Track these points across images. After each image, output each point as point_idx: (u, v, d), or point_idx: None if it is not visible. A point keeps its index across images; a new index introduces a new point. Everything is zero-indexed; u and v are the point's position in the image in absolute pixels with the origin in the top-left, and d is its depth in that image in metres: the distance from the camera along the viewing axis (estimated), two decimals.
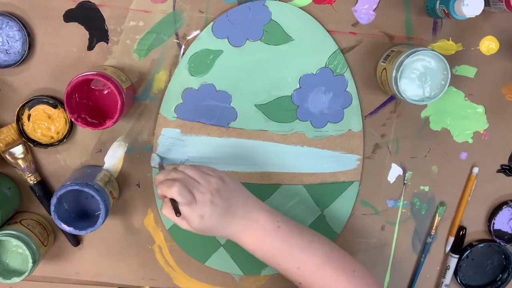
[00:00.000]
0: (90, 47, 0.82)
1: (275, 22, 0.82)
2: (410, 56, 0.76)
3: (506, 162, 0.89)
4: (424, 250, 0.91)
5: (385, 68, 0.80)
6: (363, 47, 0.84)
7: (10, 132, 0.83)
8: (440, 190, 0.89)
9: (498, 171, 0.89)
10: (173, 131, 0.85)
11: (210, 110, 0.84)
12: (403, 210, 0.90)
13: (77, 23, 0.81)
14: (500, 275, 0.92)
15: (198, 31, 0.82)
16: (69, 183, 0.77)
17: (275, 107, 0.85)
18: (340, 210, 0.88)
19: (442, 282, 0.91)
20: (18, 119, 0.82)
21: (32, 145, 0.83)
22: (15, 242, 0.79)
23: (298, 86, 0.84)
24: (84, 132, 0.84)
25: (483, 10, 0.73)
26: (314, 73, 0.84)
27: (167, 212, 0.71)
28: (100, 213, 0.77)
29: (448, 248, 0.91)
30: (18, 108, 0.81)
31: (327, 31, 0.83)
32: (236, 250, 0.88)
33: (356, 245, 0.90)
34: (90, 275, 0.89)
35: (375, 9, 0.83)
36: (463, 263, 0.91)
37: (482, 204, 0.90)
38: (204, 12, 0.82)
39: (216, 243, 0.88)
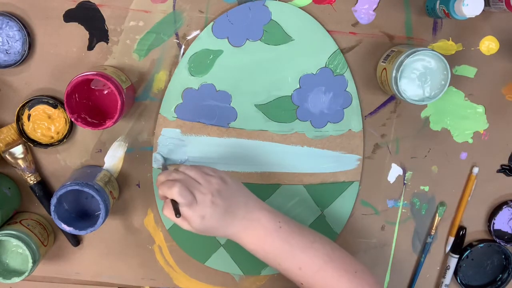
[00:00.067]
0: (90, 47, 0.82)
1: (275, 22, 0.82)
2: (410, 56, 0.76)
3: (506, 162, 0.89)
4: (424, 250, 0.91)
5: (385, 68, 0.80)
6: (363, 47, 0.84)
7: (10, 132, 0.83)
8: (440, 190, 0.89)
9: (498, 171, 0.89)
10: (173, 131, 0.85)
11: (210, 110, 0.84)
12: (403, 210, 0.90)
13: (77, 23, 0.81)
14: (500, 275, 0.92)
15: (198, 31, 0.82)
16: (69, 183, 0.77)
17: (275, 107, 0.85)
18: (340, 210, 0.88)
19: (442, 282, 0.91)
20: (18, 119, 0.82)
21: (32, 145, 0.83)
22: (15, 242, 0.79)
23: (298, 86, 0.84)
24: (84, 132, 0.84)
25: (483, 10, 0.73)
26: (314, 73, 0.84)
27: (168, 212, 0.72)
28: (100, 213, 0.77)
29: (448, 248, 0.91)
30: (18, 108, 0.81)
31: (327, 31, 0.83)
32: (236, 250, 0.88)
33: (356, 245, 0.90)
34: (90, 275, 0.89)
35: (375, 9, 0.83)
36: (463, 263, 0.91)
37: (482, 204, 0.90)
38: (204, 12, 0.82)
39: (216, 243, 0.88)
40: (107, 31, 0.81)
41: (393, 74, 0.77)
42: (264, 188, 0.87)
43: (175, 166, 0.77)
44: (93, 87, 0.81)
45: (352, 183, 0.88)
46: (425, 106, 0.86)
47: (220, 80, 0.83)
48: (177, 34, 0.82)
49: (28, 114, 0.82)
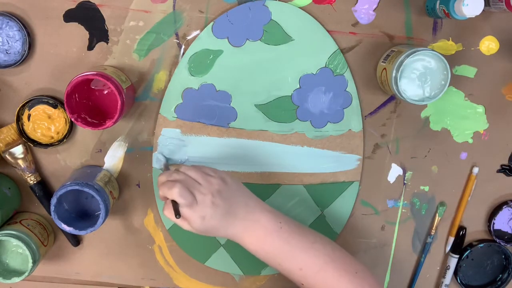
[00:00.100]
0: (90, 47, 0.82)
1: (275, 22, 0.82)
2: (410, 56, 0.76)
3: (506, 162, 0.89)
4: (424, 250, 0.91)
5: (385, 68, 0.80)
6: (363, 47, 0.84)
7: (10, 132, 0.83)
8: (440, 190, 0.89)
9: (498, 171, 0.89)
10: (173, 131, 0.85)
11: (210, 110, 0.84)
12: (403, 210, 0.90)
13: (77, 23, 0.81)
14: (500, 275, 0.92)
15: (198, 31, 0.82)
16: (69, 183, 0.77)
17: (275, 107, 0.85)
18: (340, 210, 0.88)
19: (442, 282, 0.91)
20: (18, 119, 0.82)
21: (32, 145, 0.83)
22: (15, 242, 0.79)
23: (298, 86, 0.84)
24: (84, 132, 0.84)
25: (483, 10, 0.73)
26: (314, 73, 0.84)
27: (169, 213, 0.72)
28: (100, 213, 0.77)
29: (448, 248, 0.91)
30: (18, 108, 0.81)
31: (327, 31, 0.83)
32: (236, 250, 0.88)
33: (356, 245, 0.90)
34: (90, 275, 0.89)
35: (375, 9, 0.83)
36: (463, 263, 0.91)
37: (482, 204, 0.90)
38: (204, 12, 0.82)
39: (216, 243, 0.88)
40: (107, 31, 0.81)
41: (393, 74, 0.77)
42: (264, 188, 0.87)
43: (176, 166, 0.77)
44: (93, 87, 0.81)
45: (352, 183, 0.88)
46: (425, 106, 0.86)
47: (220, 80, 0.83)
48: (177, 34, 0.82)
49: (28, 114, 0.82)
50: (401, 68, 0.76)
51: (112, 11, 0.81)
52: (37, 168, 0.84)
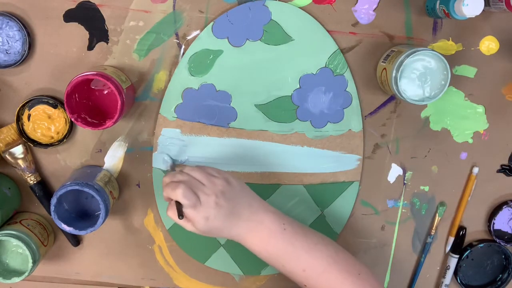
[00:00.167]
0: (90, 47, 0.82)
1: (275, 22, 0.82)
2: (410, 56, 0.76)
3: (506, 162, 0.89)
4: (424, 250, 0.91)
5: (385, 68, 0.80)
6: (363, 47, 0.84)
7: (10, 132, 0.83)
8: (440, 190, 0.89)
9: (498, 171, 0.89)
10: (173, 131, 0.85)
11: (210, 110, 0.84)
12: (403, 210, 0.90)
13: (77, 23, 0.81)
14: (500, 275, 0.92)
15: (198, 31, 0.82)
16: (69, 183, 0.77)
17: (275, 107, 0.85)
18: (340, 210, 0.88)
19: (442, 282, 0.91)
20: (18, 119, 0.82)
21: (32, 145, 0.83)
22: (15, 242, 0.79)
23: (298, 86, 0.84)
24: (84, 132, 0.84)
25: (483, 10, 0.73)
26: (314, 73, 0.84)
27: (172, 214, 0.72)
28: (100, 213, 0.77)
29: (448, 248, 0.91)
30: (18, 108, 0.81)
31: (327, 31, 0.83)
32: (236, 250, 0.88)
33: (356, 245, 0.90)
34: (90, 275, 0.89)
35: (375, 9, 0.83)
36: (463, 263, 0.91)
37: (482, 204, 0.90)
38: (204, 12, 0.82)
39: (216, 243, 0.88)
40: (107, 31, 0.81)
41: (393, 74, 0.77)
42: (264, 188, 0.87)
43: (180, 167, 0.77)
44: (93, 87, 0.81)
45: (352, 183, 0.88)
46: (425, 106, 0.86)
47: (220, 80, 0.83)
48: (177, 34, 0.82)
49: (28, 114, 0.82)
50: (401, 68, 0.76)
51: (112, 11, 0.81)
52: (37, 168, 0.84)
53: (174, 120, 0.84)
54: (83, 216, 0.84)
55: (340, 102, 0.85)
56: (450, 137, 0.88)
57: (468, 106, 0.87)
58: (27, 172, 0.82)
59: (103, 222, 0.78)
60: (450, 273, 0.90)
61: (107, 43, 0.82)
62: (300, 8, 0.82)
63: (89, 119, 0.78)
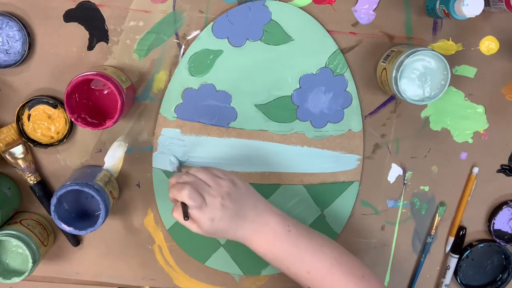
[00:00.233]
0: (90, 47, 0.82)
1: (275, 22, 0.82)
2: (410, 56, 0.76)
3: (506, 162, 0.89)
4: (424, 250, 0.91)
5: (385, 68, 0.80)
6: (363, 47, 0.84)
7: (10, 132, 0.83)
8: (440, 190, 0.89)
9: (498, 171, 0.89)
10: (173, 131, 0.85)
11: (210, 110, 0.84)
12: (403, 210, 0.90)
13: (77, 23, 0.81)
14: (500, 275, 0.92)
15: (198, 31, 0.82)
16: (69, 183, 0.77)
17: (275, 107, 0.85)
18: (340, 210, 0.88)
19: (442, 282, 0.91)
20: (18, 119, 0.82)
21: (32, 145, 0.83)
22: (15, 242, 0.79)
23: (298, 86, 0.84)
24: (84, 132, 0.84)
25: (483, 10, 0.73)
26: (314, 73, 0.84)
27: (177, 215, 0.72)
28: (100, 213, 0.77)
29: (448, 248, 0.91)
30: (18, 108, 0.81)
31: (327, 31, 0.83)
32: (236, 250, 0.88)
33: (356, 245, 0.90)
34: (90, 275, 0.89)
35: (375, 9, 0.83)
36: (463, 263, 0.91)
37: (482, 204, 0.90)
38: (204, 12, 0.82)
39: (216, 243, 0.88)
40: (107, 31, 0.81)
41: (393, 74, 0.77)
42: (264, 188, 0.87)
43: (187, 168, 0.77)
44: (93, 87, 0.81)
45: (352, 183, 0.88)
46: (425, 106, 0.86)
47: (220, 80, 0.83)
48: (177, 34, 0.82)
49: (28, 114, 0.82)
50: (401, 68, 0.76)
51: (112, 11, 0.81)
52: (37, 168, 0.84)
53: (174, 120, 0.84)
54: (83, 216, 0.84)
55: (340, 102, 0.85)
56: (450, 137, 0.88)
57: (468, 106, 0.87)
58: (27, 172, 0.82)
59: (103, 222, 0.78)
60: (450, 273, 0.90)
61: (107, 43, 0.82)
62: (300, 8, 0.82)
63: (89, 119, 0.78)
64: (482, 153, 0.88)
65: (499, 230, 0.90)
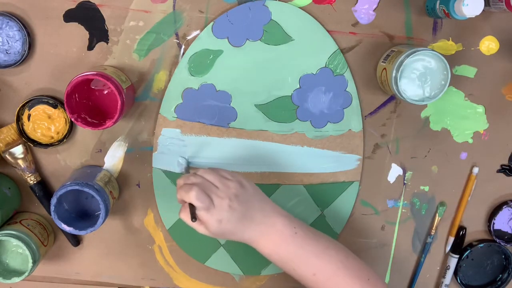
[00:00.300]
0: (90, 47, 0.82)
1: (275, 22, 0.82)
2: (410, 56, 0.76)
3: (506, 162, 0.89)
4: (424, 250, 0.91)
5: (385, 68, 0.80)
6: (363, 47, 0.84)
7: (10, 132, 0.83)
8: (440, 190, 0.89)
9: (498, 171, 0.89)
10: (173, 131, 0.85)
11: (210, 110, 0.84)
12: (403, 210, 0.90)
13: (77, 23, 0.81)
14: (500, 275, 0.92)
15: (198, 31, 0.82)
16: (69, 183, 0.77)
17: (275, 107, 0.85)
18: (340, 210, 0.88)
19: (442, 282, 0.91)
20: (18, 119, 0.82)
21: (32, 145, 0.83)
22: (15, 242, 0.79)
23: (298, 86, 0.84)
24: (84, 132, 0.84)
25: (483, 10, 0.73)
26: (314, 73, 0.84)
27: (185, 216, 0.72)
28: (100, 213, 0.77)
29: (448, 248, 0.91)
30: (18, 108, 0.81)
31: (327, 31, 0.83)
32: (236, 250, 0.88)
33: (356, 245, 0.90)
34: (90, 275, 0.89)
35: (375, 9, 0.83)
36: (463, 263, 0.91)
37: (482, 204, 0.90)
38: (204, 12, 0.82)
39: (216, 243, 0.88)
40: (107, 31, 0.81)
41: (393, 74, 0.77)
42: (264, 188, 0.87)
43: (195, 169, 0.77)
44: (93, 87, 0.81)
45: (352, 183, 0.88)
46: (425, 106, 0.86)
47: (220, 80, 0.83)
48: (177, 34, 0.82)
49: (28, 114, 0.82)
50: (401, 68, 0.76)
51: (112, 11, 0.81)
52: (37, 168, 0.84)
53: (174, 120, 0.84)
54: (83, 216, 0.84)
55: (340, 102, 0.85)
56: (450, 137, 0.88)
57: (468, 106, 0.87)
58: (27, 172, 0.82)
59: (103, 222, 0.78)
60: (450, 273, 0.90)
61: (107, 43, 0.82)
62: (300, 8, 0.82)
63: (89, 119, 0.78)
64: (482, 153, 0.88)
65: (499, 230, 0.90)
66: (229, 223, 0.72)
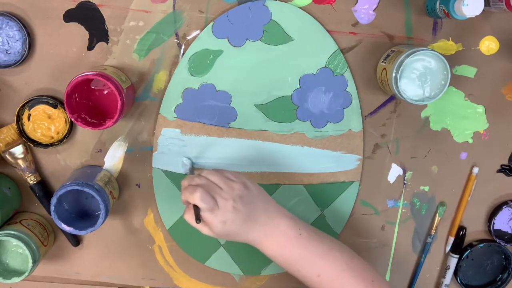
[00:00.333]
0: (90, 47, 0.82)
1: (275, 22, 0.82)
2: (410, 56, 0.76)
3: (506, 162, 0.89)
4: (424, 250, 0.91)
5: (385, 68, 0.80)
6: (363, 47, 0.84)
7: (10, 132, 0.83)
8: (440, 190, 0.89)
9: (498, 171, 0.89)
10: (173, 131, 0.85)
11: (210, 110, 0.84)
12: (403, 210, 0.90)
13: (77, 23, 0.81)
14: (500, 275, 0.92)
15: (198, 31, 0.82)
16: (69, 183, 0.77)
17: (275, 107, 0.85)
18: (340, 210, 0.88)
19: (442, 282, 0.91)
20: (18, 119, 0.82)
21: (32, 145, 0.83)
22: (15, 242, 0.79)
23: (298, 86, 0.84)
24: (84, 132, 0.84)
25: (483, 10, 0.73)
26: (314, 73, 0.84)
27: (189, 217, 0.72)
28: (100, 213, 0.77)
29: (448, 248, 0.91)
30: (18, 108, 0.81)
31: (327, 31, 0.83)
32: (236, 250, 0.88)
33: (356, 245, 0.90)
34: (90, 275, 0.89)
35: (375, 9, 0.83)
36: (463, 263, 0.91)
37: (482, 204, 0.90)
38: (204, 12, 0.82)
39: (216, 243, 0.88)
40: (107, 31, 0.81)
41: (393, 74, 0.77)
42: (264, 188, 0.86)
43: (199, 170, 0.77)
44: (93, 87, 0.81)
45: (352, 183, 0.88)
46: (425, 106, 0.86)
47: (220, 80, 0.83)
48: (177, 34, 0.82)
49: (28, 114, 0.82)
50: (401, 68, 0.76)
51: (112, 11, 0.81)
52: (37, 168, 0.84)
53: (174, 120, 0.84)
54: (83, 216, 0.84)
55: (340, 102, 0.85)
56: (450, 137, 0.88)
57: (468, 106, 0.87)
58: (27, 172, 0.82)
59: (103, 222, 0.78)
60: (450, 273, 0.90)
61: (107, 43, 0.82)
62: (300, 8, 0.82)
63: (89, 119, 0.78)
64: (482, 153, 0.88)
65: (499, 230, 0.90)
66: (233, 224, 0.72)
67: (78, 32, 0.81)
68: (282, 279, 0.90)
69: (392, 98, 0.86)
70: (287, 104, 0.85)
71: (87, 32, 0.81)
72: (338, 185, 0.87)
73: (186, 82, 0.83)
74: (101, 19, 0.81)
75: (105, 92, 0.82)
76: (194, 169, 0.84)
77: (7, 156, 0.81)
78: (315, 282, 0.75)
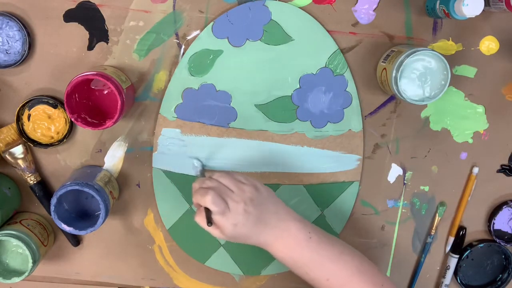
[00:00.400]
0: (90, 47, 0.82)
1: (275, 22, 0.82)
2: (410, 56, 0.76)
3: (506, 162, 0.89)
4: (424, 250, 0.91)
5: (385, 68, 0.80)
6: (363, 47, 0.84)
7: (10, 132, 0.83)
8: (440, 190, 0.89)
9: (498, 171, 0.89)
10: (173, 131, 0.85)
11: (210, 110, 0.84)
12: (403, 210, 0.90)
13: (77, 23, 0.81)
14: (500, 275, 0.92)
15: (198, 31, 0.82)
16: (69, 183, 0.77)
17: (275, 107, 0.85)
18: (340, 210, 0.88)
19: (442, 282, 0.91)
20: (18, 119, 0.82)
21: (32, 145, 0.83)
22: (15, 242, 0.79)
23: (298, 86, 0.84)
24: (84, 132, 0.84)
25: (483, 10, 0.73)
26: (314, 73, 0.84)
27: (200, 220, 0.72)
28: (100, 213, 0.77)
29: (448, 248, 0.91)
30: (18, 108, 0.81)
31: (327, 31, 0.83)
32: (236, 250, 0.88)
33: (356, 245, 0.90)
34: (90, 275, 0.89)
35: (375, 9, 0.83)
36: (463, 263, 0.91)
37: (482, 204, 0.90)
38: (204, 12, 0.82)
39: (216, 243, 0.88)
40: (107, 31, 0.81)
41: (393, 74, 0.77)
42: None
43: (210, 173, 0.77)
44: (93, 87, 0.81)
45: (352, 183, 0.88)
46: (425, 106, 0.86)
47: (220, 80, 0.83)
48: (177, 34, 0.82)
49: (28, 114, 0.82)
50: (401, 68, 0.76)
51: (112, 11, 0.81)
52: (37, 168, 0.84)
53: (174, 120, 0.84)
54: (83, 216, 0.84)
55: (340, 102, 0.85)
56: (450, 137, 0.88)
57: (468, 106, 0.87)
58: (27, 172, 0.82)
59: (103, 222, 0.78)
60: (450, 273, 0.90)
61: (107, 43, 0.82)
62: (300, 8, 0.82)
63: (89, 119, 0.78)
64: (482, 153, 0.88)
65: (499, 230, 0.90)
66: (244, 227, 0.72)
67: (78, 32, 0.81)
68: (282, 279, 0.90)
69: (392, 98, 0.86)
70: (287, 104, 0.85)
71: (87, 32, 0.81)
72: (338, 185, 0.87)
73: (186, 82, 0.83)
74: (101, 19, 0.81)
75: (105, 92, 0.82)
76: (204, 171, 0.84)
77: (7, 156, 0.81)
78: (324, 286, 0.75)
